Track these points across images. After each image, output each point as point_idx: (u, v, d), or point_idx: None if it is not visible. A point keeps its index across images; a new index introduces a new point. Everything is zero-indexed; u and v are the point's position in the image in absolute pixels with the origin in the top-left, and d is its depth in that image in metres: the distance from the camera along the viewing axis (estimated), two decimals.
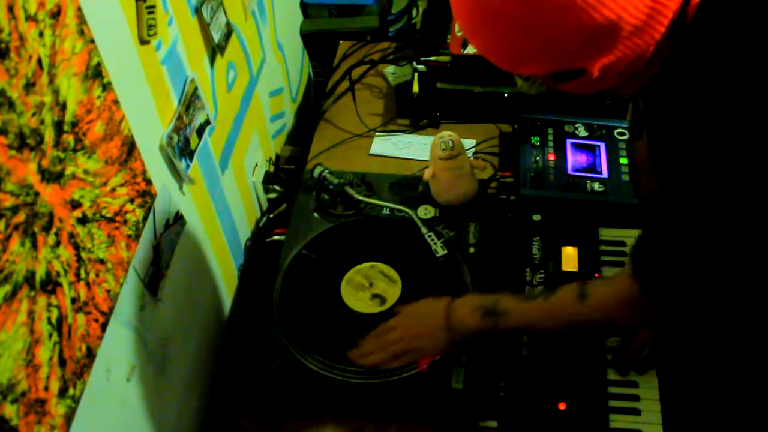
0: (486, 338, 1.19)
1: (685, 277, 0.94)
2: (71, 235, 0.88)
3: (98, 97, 0.93)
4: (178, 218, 1.18)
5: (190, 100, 1.21)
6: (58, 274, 0.86)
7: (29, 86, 0.79)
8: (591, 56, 0.85)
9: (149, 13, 1.04)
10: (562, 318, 1.10)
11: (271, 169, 1.71)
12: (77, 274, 0.90)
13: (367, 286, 1.33)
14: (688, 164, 0.85)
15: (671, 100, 0.87)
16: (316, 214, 1.47)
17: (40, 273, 0.83)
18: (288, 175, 1.72)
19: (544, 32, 0.82)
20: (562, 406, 1.18)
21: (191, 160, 1.23)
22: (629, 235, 1.42)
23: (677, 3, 0.81)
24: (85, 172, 0.91)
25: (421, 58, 1.68)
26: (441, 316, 1.18)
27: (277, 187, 1.69)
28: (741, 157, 0.80)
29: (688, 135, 0.84)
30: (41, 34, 0.80)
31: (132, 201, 1.03)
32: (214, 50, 1.34)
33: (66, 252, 0.87)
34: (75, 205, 0.89)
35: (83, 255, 0.91)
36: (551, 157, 1.54)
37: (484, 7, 0.82)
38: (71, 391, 0.90)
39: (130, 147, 1.02)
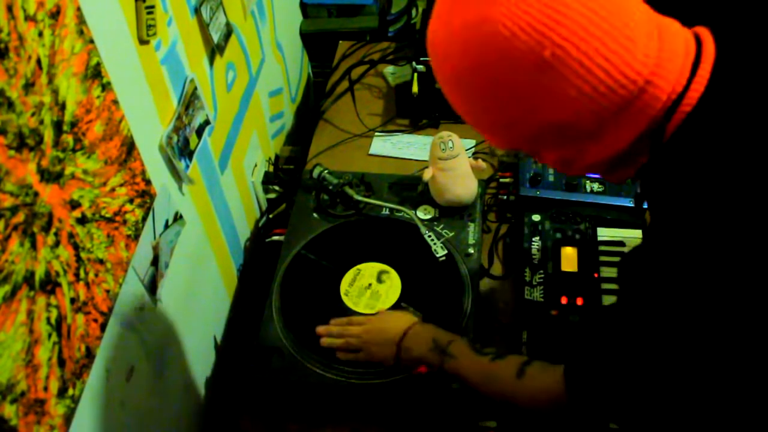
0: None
1: (621, 401, 0.89)
2: (71, 235, 0.88)
3: (98, 97, 0.93)
4: (178, 218, 1.18)
5: (189, 100, 1.21)
6: (58, 274, 0.86)
7: (28, 86, 0.79)
8: (542, 148, 0.87)
9: (148, 13, 1.04)
10: (496, 385, 1.06)
11: (271, 169, 1.71)
12: (76, 274, 0.90)
13: (367, 287, 1.33)
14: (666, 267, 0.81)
15: (654, 202, 0.86)
16: (315, 215, 1.46)
17: (39, 273, 0.83)
18: (287, 175, 1.72)
19: (489, 118, 0.85)
20: None
21: (191, 160, 1.23)
22: (628, 235, 1.42)
23: (649, 116, 0.78)
24: (85, 172, 0.91)
25: (421, 58, 1.68)
26: (399, 332, 1.18)
27: (276, 188, 1.69)
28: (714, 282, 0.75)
29: (665, 244, 0.81)
30: (40, 34, 0.80)
31: (131, 201, 1.03)
32: (214, 50, 1.34)
33: (65, 252, 0.87)
34: (74, 205, 0.89)
35: (83, 255, 0.91)
36: None
37: (444, 78, 0.85)
38: (70, 392, 0.90)
39: (130, 147, 1.02)
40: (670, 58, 0.78)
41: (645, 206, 1.42)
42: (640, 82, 0.77)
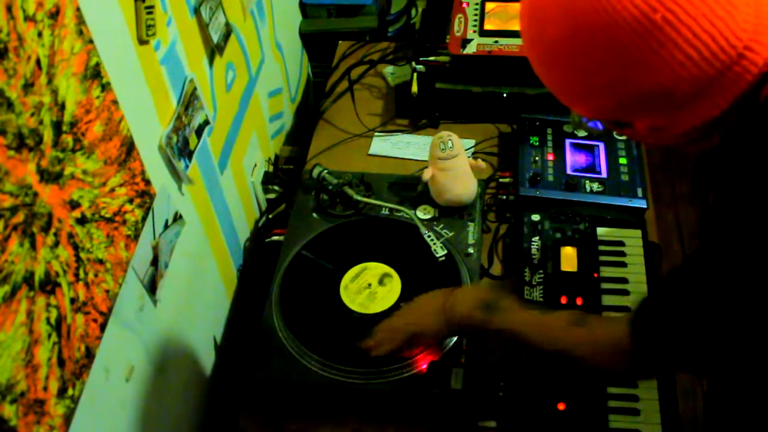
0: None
1: (692, 346, 0.89)
2: (70, 236, 0.88)
3: (97, 97, 0.93)
4: (177, 218, 1.18)
5: (189, 101, 1.21)
6: (57, 274, 0.86)
7: (28, 86, 0.79)
8: (637, 115, 0.86)
9: (148, 13, 1.04)
10: (551, 335, 1.05)
11: (270, 169, 1.72)
12: (76, 275, 0.90)
13: (366, 287, 1.33)
14: (737, 238, 0.82)
15: (731, 171, 0.85)
16: (315, 215, 1.46)
17: (39, 273, 0.83)
18: (287, 176, 1.72)
19: (590, 82, 0.83)
20: (561, 407, 1.18)
21: (190, 160, 1.23)
22: (628, 235, 1.42)
23: (745, 82, 0.79)
24: (84, 172, 0.91)
25: (420, 58, 1.68)
26: (440, 299, 1.16)
27: (276, 188, 1.69)
28: None
29: (743, 210, 0.82)
30: (40, 35, 0.80)
31: (131, 201, 1.03)
32: (213, 50, 1.34)
33: (65, 252, 0.87)
34: (74, 205, 0.89)
35: (82, 255, 0.91)
36: (550, 157, 1.54)
37: (543, 43, 0.84)
38: (70, 392, 0.90)
39: (129, 147, 1.02)
40: (766, 24, 0.79)
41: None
42: (740, 48, 0.78)
